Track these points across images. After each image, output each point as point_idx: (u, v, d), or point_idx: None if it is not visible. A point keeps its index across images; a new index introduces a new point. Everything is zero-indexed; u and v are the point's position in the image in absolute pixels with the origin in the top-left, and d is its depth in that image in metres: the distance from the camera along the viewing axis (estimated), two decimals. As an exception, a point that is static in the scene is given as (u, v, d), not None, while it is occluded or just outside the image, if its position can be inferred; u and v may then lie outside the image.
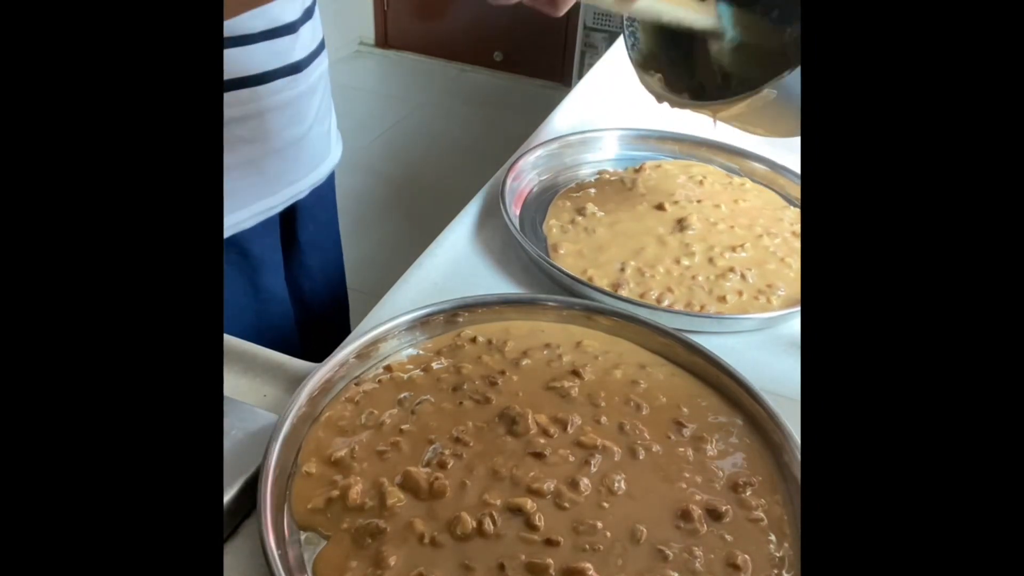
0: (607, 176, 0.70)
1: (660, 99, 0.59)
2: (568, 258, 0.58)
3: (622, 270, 0.57)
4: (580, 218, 0.63)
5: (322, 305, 0.83)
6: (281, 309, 0.75)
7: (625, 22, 0.62)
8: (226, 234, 0.65)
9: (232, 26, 0.58)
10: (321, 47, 0.69)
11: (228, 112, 0.60)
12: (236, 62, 0.59)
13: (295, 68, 0.64)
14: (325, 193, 0.78)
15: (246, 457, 0.38)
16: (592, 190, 0.67)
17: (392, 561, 0.35)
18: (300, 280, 0.79)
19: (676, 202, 0.66)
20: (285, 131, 0.65)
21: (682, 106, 0.57)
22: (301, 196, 0.71)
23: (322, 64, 0.70)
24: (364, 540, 0.36)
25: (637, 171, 0.71)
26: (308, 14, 0.66)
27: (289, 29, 0.63)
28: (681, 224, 0.63)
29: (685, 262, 0.59)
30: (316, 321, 0.82)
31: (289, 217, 0.74)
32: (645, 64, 0.61)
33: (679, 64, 0.62)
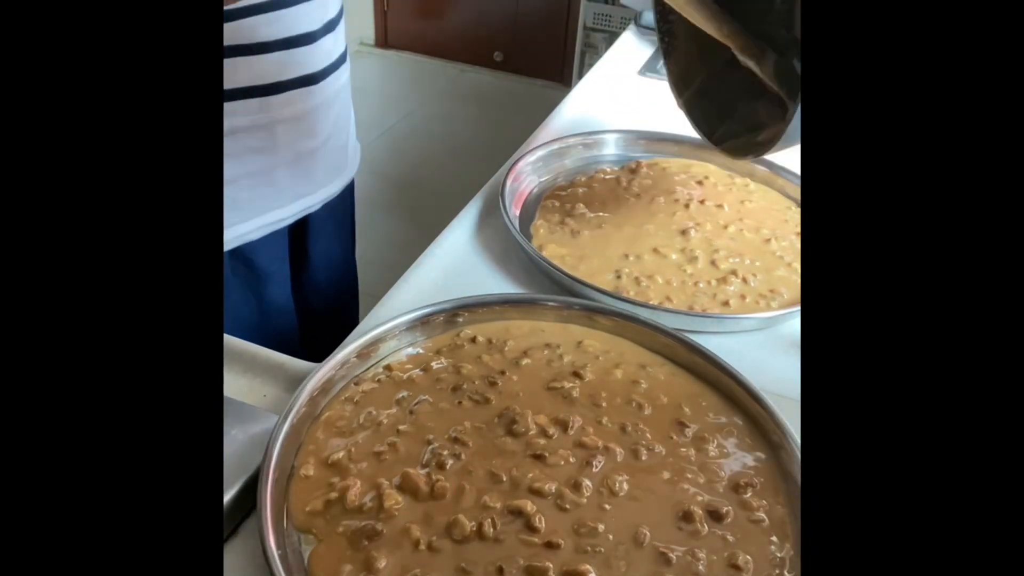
0: (601, 175, 0.69)
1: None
2: (554, 261, 0.56)
3: (618, 277, 0.56)
4: (569, 219, 0.62)
5: (330, 320, 0.81)
6: (286, 322, 0.73)
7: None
8: (231, 245, 0.63)
9: (248, 33, 0.56)
10: (341, 60, 0.67)
11: (237, 121, 0.58)
12: (248, 70, 0.57)
13: (310, 80, 0.62)
14: (338, 207, 0.76)
15: (246, 457, 0.38)
16: (582, 189, 0.66)
17: (383, 564, 0.35)
18: (309, 294, 0.77)
19: (676, 201, 0.65)
20: (297, 143, 0.64)
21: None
22: (313, 209, 0.69)
23: (341, 78, 0.68)
24: (360, 542, 0.36)
25: (633, 170, 0.69)
26: (330, 27, 0.64)
27: (307, 39, 0.61)
28: (681, 226, 0.62)
29: (688, 269, 0.57)
30: (322, 336, 0.81)
31: (299, 230, 0.72)
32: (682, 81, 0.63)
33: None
